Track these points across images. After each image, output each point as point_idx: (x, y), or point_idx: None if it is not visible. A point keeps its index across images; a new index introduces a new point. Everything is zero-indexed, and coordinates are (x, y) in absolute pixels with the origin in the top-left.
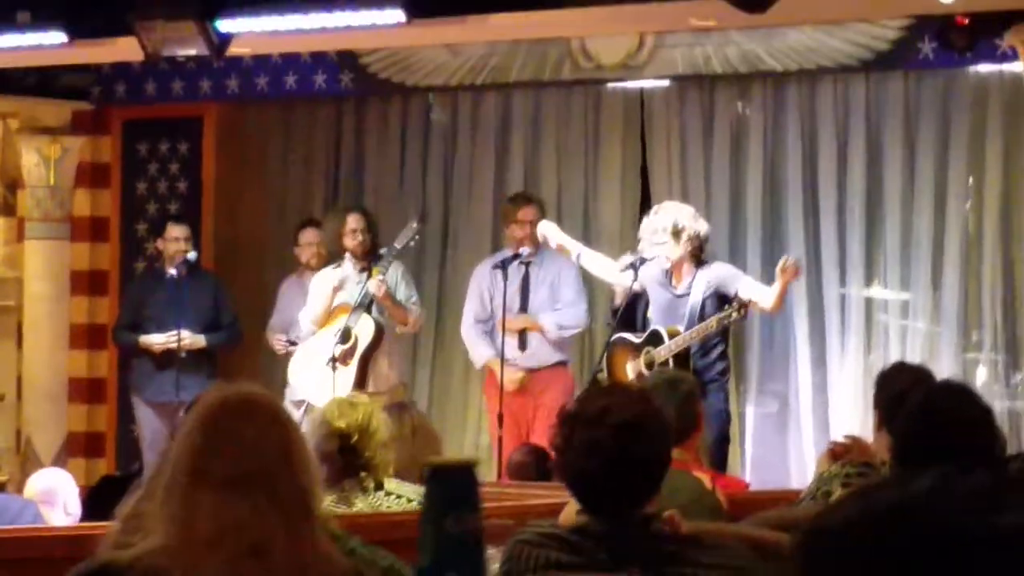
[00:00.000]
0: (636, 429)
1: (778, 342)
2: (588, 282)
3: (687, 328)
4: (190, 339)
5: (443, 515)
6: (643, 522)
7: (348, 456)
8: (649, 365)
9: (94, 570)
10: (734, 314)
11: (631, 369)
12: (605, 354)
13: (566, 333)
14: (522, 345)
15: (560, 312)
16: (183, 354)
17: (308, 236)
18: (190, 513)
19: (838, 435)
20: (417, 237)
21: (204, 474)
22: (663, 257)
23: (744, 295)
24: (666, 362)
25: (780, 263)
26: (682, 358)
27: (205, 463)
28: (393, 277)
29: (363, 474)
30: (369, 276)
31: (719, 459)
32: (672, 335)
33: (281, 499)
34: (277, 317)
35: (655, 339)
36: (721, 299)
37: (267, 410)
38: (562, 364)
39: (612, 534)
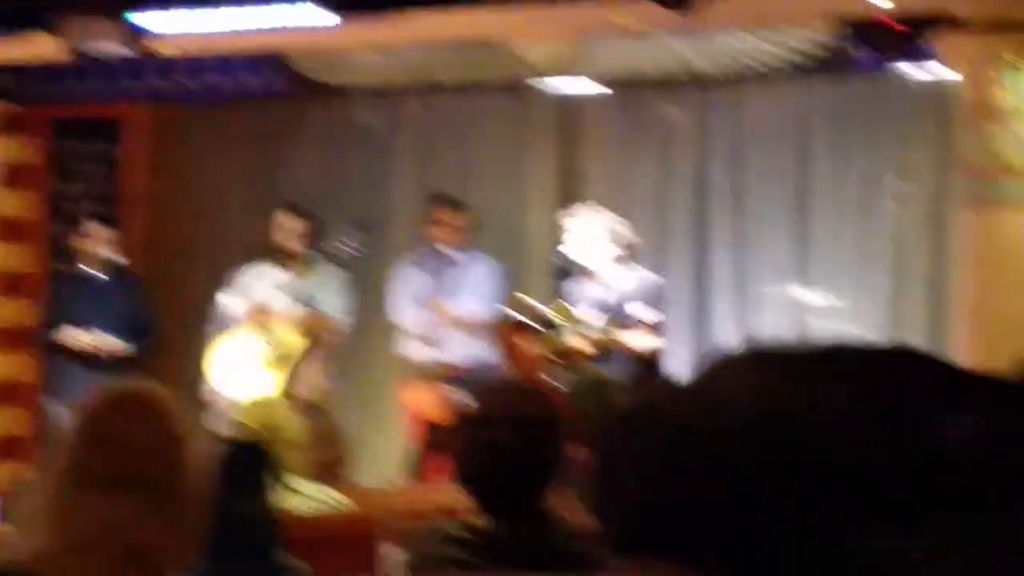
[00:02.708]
0: (533, 428)
1: (703, 347)
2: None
3: (607, 322)
4: (111, 343)
5: (229, 497)
6: (542, 522)
7: None
8: (552, 350)
9: None
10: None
11: (534, 347)
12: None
13: (473, 317)
14: (432, 342)
15: (466, 298)
16: (105, 357)
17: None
18: (70, 514)
19: None
20: (358, 245)
21: (85, 474)
22: (594, 260)
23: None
24: (571, 351)
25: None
26: (592, 356)
27: (86, 463)
28: (325, 283)
29: None
30: (294, 278)
31: None
32: (560, 312)
33: (169, 501)
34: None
35: (554, 326)
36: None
37: (153, 409)
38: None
39: (510, 534)
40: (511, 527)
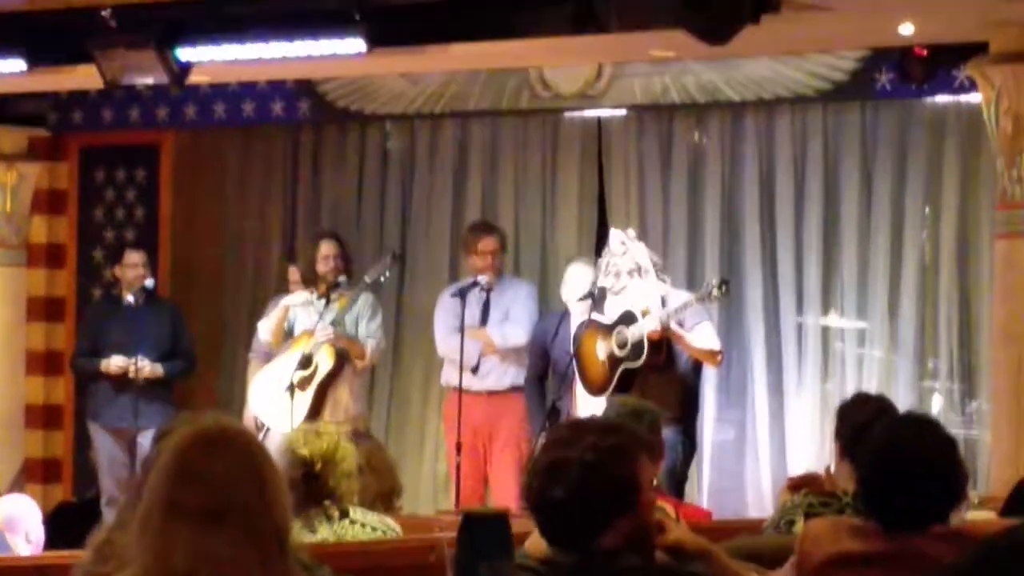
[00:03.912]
0: (602, 464)
1: (735, 370)
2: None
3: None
4: (148, 367)
5: (476, 563)
6: (608, 554)
7: (312, 484)
8: (621, 345)
9: None
10: (714, 291)
11: (601, 349)
12: (574, 339)
13: (508, 343)
14: (475, 370)
15: (506, 324)
16: (141, 381)
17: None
18: (166, 546)
19: (795, 463)
20: (388, 273)
21: (179, 507)
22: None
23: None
24: (640, 342)
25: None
26: (655, 346)
27: (180, 496)
28: (358, 309)
29: (327, 502)
30: (327, 304)
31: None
32: (645, 314)
33: (256, 532)
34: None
35: (627, 319)
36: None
37: (241, 443)
38: (518, 390)
39: (579, 567)
40: (581, 558)
